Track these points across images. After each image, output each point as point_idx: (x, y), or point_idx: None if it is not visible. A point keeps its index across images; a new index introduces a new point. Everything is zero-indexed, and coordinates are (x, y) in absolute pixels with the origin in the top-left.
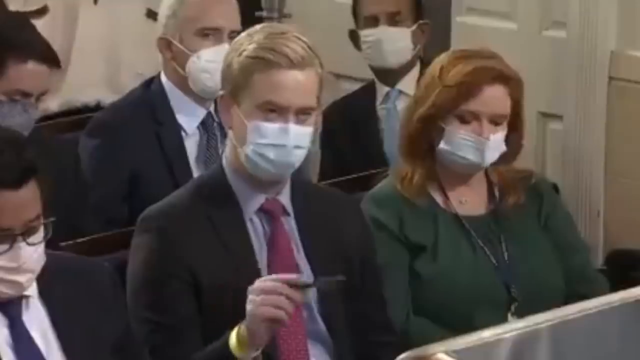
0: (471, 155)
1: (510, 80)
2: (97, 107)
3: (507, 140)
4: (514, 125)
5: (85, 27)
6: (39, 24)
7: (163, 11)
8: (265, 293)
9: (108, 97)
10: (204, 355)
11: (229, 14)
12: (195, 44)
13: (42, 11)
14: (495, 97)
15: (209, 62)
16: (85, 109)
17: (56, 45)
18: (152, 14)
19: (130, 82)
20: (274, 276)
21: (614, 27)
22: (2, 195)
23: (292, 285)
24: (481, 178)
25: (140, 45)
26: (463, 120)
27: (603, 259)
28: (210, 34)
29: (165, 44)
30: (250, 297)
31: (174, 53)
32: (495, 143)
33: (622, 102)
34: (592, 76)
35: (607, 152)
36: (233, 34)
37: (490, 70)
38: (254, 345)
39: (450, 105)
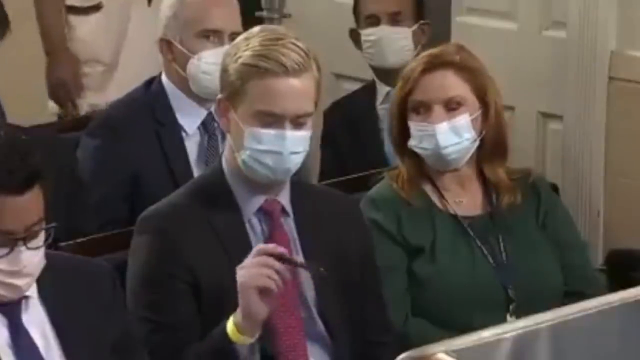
0: (426, 144)
1: (460, 67)
2: None
3: (486, 134)
4: (485, 116)
5: (136, 26)
6: (93, 19)
7: (164, 12)
8: (254, 266)
9: None
10: (203, 344)
11: (229, 16)
12: (196, 45)
13: (96, 7)
14: (438, 83)
15: (209, 63)
16: None
17: (109, 42)
18: None
19: None
20: (261, 246)
21: (614, 27)
22: (5, 200)
23: (280, 259)
24: (475, 178)
25: None
26: (417, 112)
27: (603, 259)
28: (210, 35)
29: (166, 45)
30: (239, 272)
31: (174, 54)
32: (451, 127)
33: (622, 102)
34: (592, 76)
35: (607, 152)
36: (234, 36)
37: (430, 58)
38: (250, 327)
39: (402, 100)
